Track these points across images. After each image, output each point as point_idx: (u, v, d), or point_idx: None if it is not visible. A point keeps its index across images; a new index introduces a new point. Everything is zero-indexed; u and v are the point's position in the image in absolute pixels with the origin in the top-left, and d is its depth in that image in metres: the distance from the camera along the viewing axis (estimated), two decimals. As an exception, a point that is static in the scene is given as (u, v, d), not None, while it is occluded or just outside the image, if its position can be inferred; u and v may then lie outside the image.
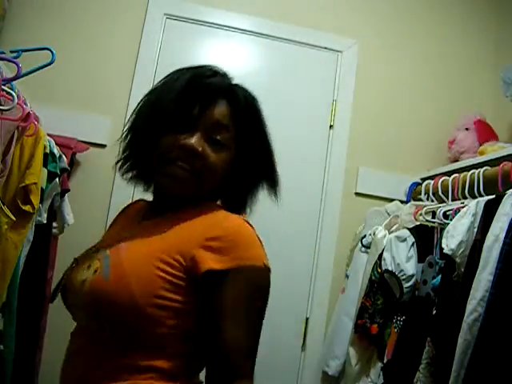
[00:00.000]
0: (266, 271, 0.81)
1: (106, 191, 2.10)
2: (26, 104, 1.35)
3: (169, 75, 0.95)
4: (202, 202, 0.91)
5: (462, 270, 1.48)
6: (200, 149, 0.84)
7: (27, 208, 1.43)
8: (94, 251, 0.89)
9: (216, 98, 0.88)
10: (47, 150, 1.58)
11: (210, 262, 0.77)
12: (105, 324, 0.78)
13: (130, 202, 2.29)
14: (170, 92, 0.88)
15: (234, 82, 0.93)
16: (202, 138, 0.85)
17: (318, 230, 2.25)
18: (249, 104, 0.92)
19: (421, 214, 1.84)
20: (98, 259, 0.84)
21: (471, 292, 1.36)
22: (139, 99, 0.96)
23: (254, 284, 0.79)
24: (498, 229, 1.37)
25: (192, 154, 0.84)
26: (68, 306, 0.88)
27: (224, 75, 0.92)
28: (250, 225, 0.86)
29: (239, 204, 0.95)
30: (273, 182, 0.96)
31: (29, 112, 1.34)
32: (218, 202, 0.96)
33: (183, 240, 0.81)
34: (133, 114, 0.95)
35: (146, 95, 0.95)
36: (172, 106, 0.86)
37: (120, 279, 0.78)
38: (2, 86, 1.22)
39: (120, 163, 0.97)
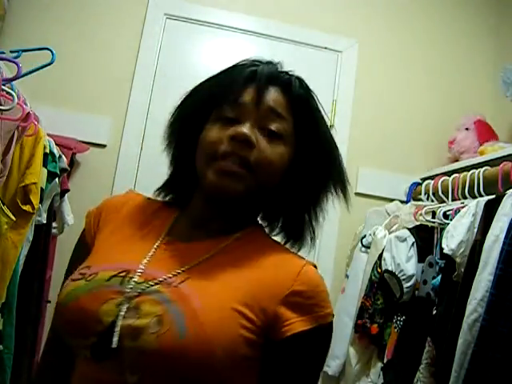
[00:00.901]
0: (331, 325, 0.74)
1: (106, 191, 2.10)
2: (26, 104, 1.34)
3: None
4: (253, 223, 0.81)
5: (462, 270, 1.47)
6: (254, 138, 0.72)
7: (27, 208, 1.43)
8: (127, 280, 0.68)
9: (269, 84, 0.76)
10: (47, 150, 1.58)
11: (296, 323, 0.68)
12: None
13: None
14: (214, 81, 0.79)
15: (291, 72, 0.82)
16: (254, 127, 0.73)
17: (318, 230, 2.24)
18: (307, 95, 0.79)
19: (421, 214, 1.84)
20: (155, 302, 0.64)
21: (471, 292, 1.36)
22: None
23: (327, 342, 0.75)
24: (498, 229, 1.36)
25: (245, 145, 0.71)
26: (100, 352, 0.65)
27: (279, 64, 0.82)
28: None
29: (300, 225, 0.81)
30: (342, 187, 0.83)
31: (29, 112, 1.34)
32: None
33: (260, 290, 0.69)
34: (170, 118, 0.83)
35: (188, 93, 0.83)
36: (216, 93, 0.76)
37: (200, 338, 0.62)
38: (2, 86, 1.22)
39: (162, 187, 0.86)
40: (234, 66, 0.80)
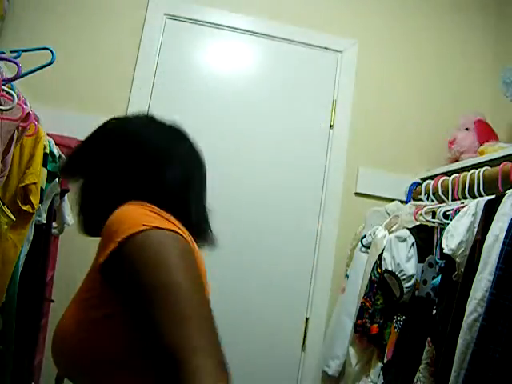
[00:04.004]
0: (152, 232, 0.65)
1: (106, 191, 2.10)
2: (26, 104, 1.35)
3: None
4: None
5: (462, 270, 1.47)
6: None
7: (27, 208, 1.43)
8: None
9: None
10: (47, 150, 1.58)
11: (99, 259, 0.69)
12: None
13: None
14: None
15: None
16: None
17: (318, 230, 2.25)
18: (70, 160, 0.99)
19: (421, 214, 1.84)
20: None
21: (471, 292, 1.36)
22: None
23: (143, 256, 0.63)
24: (497, 229, 1.36)
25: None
26: None
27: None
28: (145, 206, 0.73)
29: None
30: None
31: (29, 112, 1.34)
32: None
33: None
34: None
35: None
36: None
37: (64, 315, 0.78)
38: (2, 86, 1.22)
39: None
40: None
